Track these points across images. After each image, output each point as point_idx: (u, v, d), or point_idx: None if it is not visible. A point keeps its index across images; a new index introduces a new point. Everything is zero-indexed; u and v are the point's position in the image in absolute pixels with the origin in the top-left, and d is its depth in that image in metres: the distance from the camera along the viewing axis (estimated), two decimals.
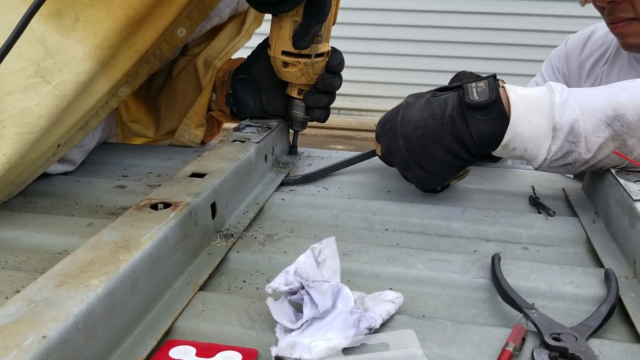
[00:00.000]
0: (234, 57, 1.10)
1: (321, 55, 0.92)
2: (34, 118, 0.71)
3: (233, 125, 1.01)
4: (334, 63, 0.93)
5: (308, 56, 0.91)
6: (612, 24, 1.13)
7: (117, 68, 0.80)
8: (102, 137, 1.05)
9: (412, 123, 0.78)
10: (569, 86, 0.77)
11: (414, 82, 4.49)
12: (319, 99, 0.96)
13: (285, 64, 0.92)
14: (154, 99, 1.11)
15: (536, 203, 0.83)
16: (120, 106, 1.10)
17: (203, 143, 1.15)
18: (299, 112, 0.98)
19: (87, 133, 0.85)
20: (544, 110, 0.73)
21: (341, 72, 0.96)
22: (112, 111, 0.90)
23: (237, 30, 1.11)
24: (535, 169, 0.77)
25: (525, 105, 0.73)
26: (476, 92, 0.74)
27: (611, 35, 1.26)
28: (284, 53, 0.90)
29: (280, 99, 0.99)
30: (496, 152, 0.77)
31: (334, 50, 0.94)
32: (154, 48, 0.87)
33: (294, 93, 0.96)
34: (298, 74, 0.92)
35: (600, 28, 1.34)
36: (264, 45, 0.97)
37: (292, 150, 1.03)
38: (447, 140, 0.75)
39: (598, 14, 1.17)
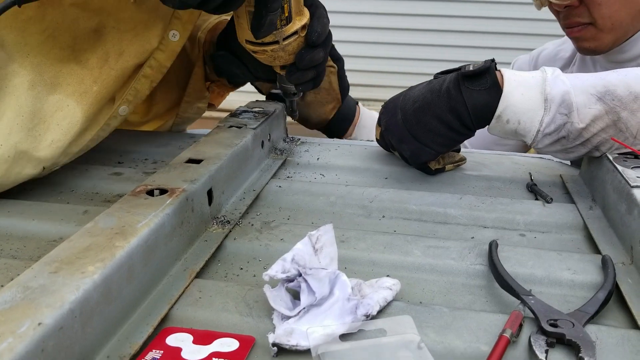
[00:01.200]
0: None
1: (294, 34, 0.82)
2: None
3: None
4: (313, 37, 0.83)
5: (275, 42, 0.82)
6: (568, 28, 1.14)
7: (30, 53, 0.72)
8: None
9: (411, 98, 0.81)
10: None
11: (414, 71, 4.45)
12: (302, 76, 0.88)
13: (254, 51, 0.85)
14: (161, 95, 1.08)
15: (533, 190, 0.83)
16: None
17: (212, 106, 1.12)
18: (286, 84, 0.92)
19: (84, 151, 0.82)
20: (536, 85, 0.75)
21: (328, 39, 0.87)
22: None
23: None
24: (530, 145, 0.78)
25: (518, 81, 0.76)
26: (472, 67, 0.78)
27: (564, 46, 1.27)
28: (248, 42, 0.83)
29: (266, 67, 0.91)
30: (491, 128, 0.78)
31: (313, 18, 0.84)
32: (141, 63, 0.83)
33: (277, 69, 0.90)
34: (270, 59, 0.85)
35: (549, 46, 1.36)
36: None
37: (293, 114, 1.00)
38: (441, 111, 0.77)
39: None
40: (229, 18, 1.00)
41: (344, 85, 1.04)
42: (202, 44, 1.02)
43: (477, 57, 1.19)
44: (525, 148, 1.37)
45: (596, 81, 0.74)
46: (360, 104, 1.15)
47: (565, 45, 1.32)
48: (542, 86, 0.75)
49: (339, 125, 1.10)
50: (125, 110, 0.84)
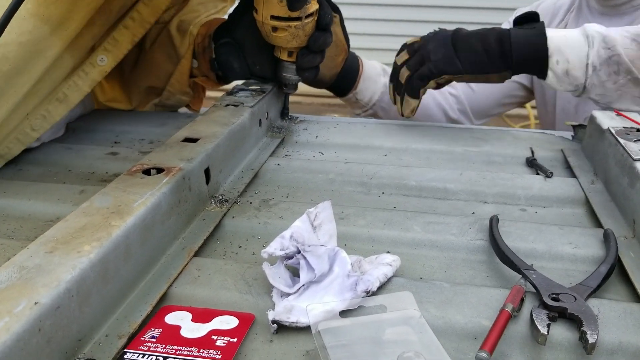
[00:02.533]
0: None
1: (311, 15, 0.86)
2: None
3: (220, 92, 0.98)
4: (327, 20, 0.88)
5: (298, 19, 0.86)
6: None
7: (71, 28, 0.74)
8: (76, 112, 1.01)
9: (467, 32, 0.92)
10: None
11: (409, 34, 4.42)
12: (313, 60, 0.92)
13: (275, 29, 0.87)
14: (129, 75, 1.07)
15: (533, 164, 0.82)
16: (95, 87, 1.06)
17: (190, 108, 1.12)
18: (288, 74, 0.94)
19: (70, 108, 0.81)
20: (576, 31, 0.87)
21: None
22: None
23: None
24: (585, 88, 0.86)
25: (560, 32, 0.87)
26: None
27: (559, 2, 1.27)
28: (273, 18, 0.85)
29: (267, 60, 0.95)
30: (549, 78, 0.87)
31: (321, 4, 0.88)
32: (126, 9, 0.82)
33: (284, 56, 0.92)
34: (289, 37, 0.88)
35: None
36: (247, 5, 0.93)
37: (284, 112, 1.01)
38: (487, 38, 0.89)
39: None
40: (225, 15, 1.02)
41: (346, 35, 1.04)
42: (194, 37, 1.00)
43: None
44: (526, 99, 1.36)
45: (626, 28, 0.86)
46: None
47: None
48: (582, 29, 0.86)
49: (348, 76, 1.11)
50: (103, 60, 0.83)
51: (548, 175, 0.78)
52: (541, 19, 0.91)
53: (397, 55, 0.97)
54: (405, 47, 0.96)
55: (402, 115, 0.96)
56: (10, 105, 0.73)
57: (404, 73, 0.93)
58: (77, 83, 0.81)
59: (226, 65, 0.97)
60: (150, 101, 1.10)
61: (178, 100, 1.07)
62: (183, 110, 1.14)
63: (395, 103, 0.97)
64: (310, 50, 0.91)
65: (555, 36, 0.86)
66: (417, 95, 0.93)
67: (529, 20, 0.91)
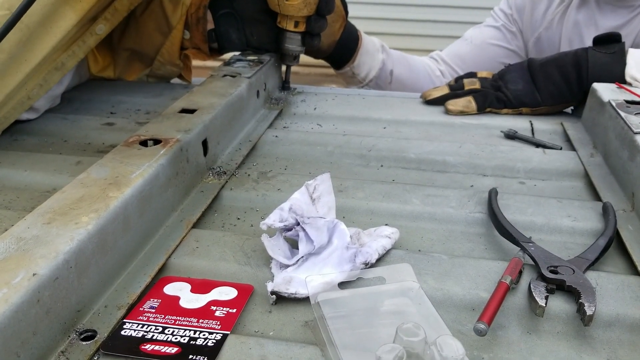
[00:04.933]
0: None
1: None
2: None
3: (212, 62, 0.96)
4: None
5: None
6: None
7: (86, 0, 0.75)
8: (72, 83, 1.00)
9: (540, 59, 0.91)
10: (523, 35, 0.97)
11: (412, 18, 4.35)
12: (323, 24, 0.94)
13: None
14: (118, 43, 1.05)
15: (515, 137, 0.82)
16: (89, 56, 1.05)
17: (182, 79, 1.11)
18: (293, 45, 0.94)
19: (64, 74, 0.81)
20: None
21: None
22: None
23: None
24: None
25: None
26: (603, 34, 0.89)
27: None
28: None
29: (265, 31, 0.95)
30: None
31: None
32: None
33: (290, 26, 0.92)
34: (301, 5, 0.89)
35: None
36: None
37: (285, 85, 1.00)
38: (565, 64, 0.87)
39: None
40: None
41: (344, 1, 1.03)
42: (186, 7, 0.98)
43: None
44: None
45: None
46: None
47: None
48: None
49: (347, 47, 1.10)
50: (101, 29, 0.83)
51: (535, 144, 0.79)
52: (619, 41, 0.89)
53: (459, 79, 0.95)
54: (473, 75, 0.96)
55: (443, 107, 0.92)
56: (21, 76, 0.73)
57: (475, 83, 0.92)
58: (75, 51, 0.81)
59: (225, 36, 0.96)
60: (133, 68, 1.08)
61: (169, 71, 1.06)
62: (175, 80, 1.12)
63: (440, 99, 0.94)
64: (320, 15, 0.92)
65: (633, 64, 0.83)
66: (481, 108, 0.90)
67: (610, 40, 0.88)
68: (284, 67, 1.01)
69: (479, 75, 0.95)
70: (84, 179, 0.52)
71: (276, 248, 0.52)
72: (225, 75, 0.85)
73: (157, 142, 0.61)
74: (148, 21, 1.00)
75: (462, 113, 0.89)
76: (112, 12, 0.84)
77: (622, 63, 0.85)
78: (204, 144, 0.67)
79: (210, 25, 0.96)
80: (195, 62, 1.12)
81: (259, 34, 0.96)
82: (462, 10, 4.30)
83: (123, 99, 0.96)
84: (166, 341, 0.42)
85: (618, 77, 0.84)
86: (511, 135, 0.82)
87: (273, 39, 0.96)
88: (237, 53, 0.98)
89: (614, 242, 0.55)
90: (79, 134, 0.82)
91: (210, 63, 1.32)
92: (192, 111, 0.70)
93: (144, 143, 0.61)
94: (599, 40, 0.88)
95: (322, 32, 0.95)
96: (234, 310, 0.46)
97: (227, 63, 0.92)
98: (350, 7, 1.06)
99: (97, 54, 1.05)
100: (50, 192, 0.65)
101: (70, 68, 0.81)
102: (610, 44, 0.87)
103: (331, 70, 1.16)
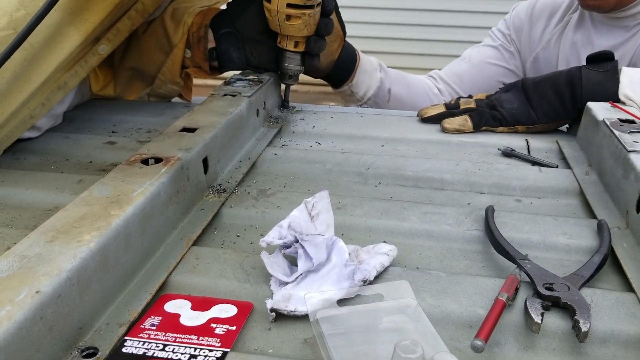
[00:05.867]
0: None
1: (319, 4, 0.91)
2: None
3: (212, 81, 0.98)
4: (330, 7, 0.93)
5: (311, 6, 0.89)
6: None
7: (90, 20, 0.76)
8: (74, 102, 1.01)
9: (534, 77, 0.92)
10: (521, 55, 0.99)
11: (411, 37, 4.39)
12: (322, 44, 0.96)
13: (289, 17, 0.90)
14: (119, 62, 1.07)
15: (511, 155, 0.83)
16: (90, 74, 1.06)
17: (182, 98, 1.12)
18: (293, 64, 0.96)
19: (66, 93, 0.82)
20: None
21: None
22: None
23: None
24: None
25: (633, 75, 0.87)
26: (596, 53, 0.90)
27: (559, 1, 1.26)
28: (289, 5, 0.88)
29: (264, 51, 0.97)
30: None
31: None
32: (134, 1, 0.84)
33: (290, 46, 0.94)
34: (301, 25, 0.91)
35: None
36: None
37: (284, 104, 1.02)
38: (559, 83, 0.88)
39: None
40: (224, 5, 1.02)
41: (342, 22, 1.05)
42: (188, 26, 1.00)
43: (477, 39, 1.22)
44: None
45: None
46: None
47: None
48: None
49: (345, 67, 1.11)
50: (104, 49, 0.85)
51: (532, 163, 0.80)
52: (542, 17, 0.90)
53: (455, 100, 0.97)
54: (469, 96, 0.97)
55: (440, 126, 0.93)
56: (25, 95, 0.74)
57: (471, 102, 0.94)
58: (77, 71, 0.82)
59: (225, 55, 0.97)
60: (134, 87, 1.10)
61: (169, 90, 1.07)
62: (176, 99, 1.14)
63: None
64: (319, 35, 0.94)
65: (627, 83, 0.85)
66: (477, 126, 0.90)
67: (603, 59, 0.89)
68: (283, 86, 1.02)
69: (475, 97, 0.96)
70: (86, 197, 0.53)
71: (275, 265, 0.52)
72: (225, 95, 0.86)
73: (158, 160, 0.62)
74: (150, 40, 1.02)
75: (458, 131, 0.90)
76: (114, 33, 0.85)
77: (616, 81, 0.86)
78: (205, 162, 0.68)
79: (211, 44, 0.98)
80: (196, 81, 1.14)
81: (258, 54, 0.98)
82: (460, 29, 4.34)
83: (124, 118, 0.97)
84: (167, 358, 0.43)
85: (611, 94, 0.85)
86: (508, 153, 0.84)
87: (272, 58, 0.97)
88: (237, 72, 0.99)
89: (609, 259, 0.56)
90: (80, 153, 0.83)
91: (210, 81, 1.34)
92: (192, 130, 0.71)
93: (145, 162, 0.62)
94: (593, 59, 0.90)
95: (321, 52, 0.97)
96: (234, 328, 0.46)
97: (228, 82, 0.93)
98: (348, 27, 1.08)
99: (98, 72, 1.06)
100: (52, 210, 0.65)
101: (72, 87, 0.82)
102: (604, 62, 0.88)
103: (330, 89, 1.18)
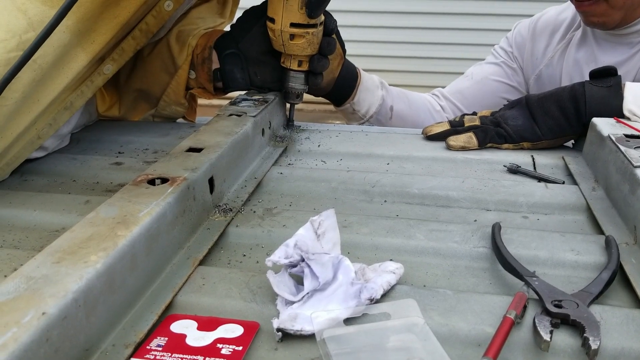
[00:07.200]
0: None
1: (321, 23, 0.92)
2: (7, 91, 0.68)
3: (217, 101, 0.99)
4: (332, 26, 0.94)
5: (315, 26, 0.90)
6: (578, 1, 1.13)
7: (97, 41, 0.77)
8: (81, 122, 1.02)
9: (538, 94, 0.93)
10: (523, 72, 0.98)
11: (413, 55, 4.42)
12: (325, 63, 0.97)
13: (292, 37, 0.91)
14: (125, 84, 1.08)
15: (517, 171, 0.83)
16: (97, 95, 1.07)
17: (186, 119, 1.13)
18: (297, 84, 0.97)
19: (73, 114, 0.83)
20: None
21: None
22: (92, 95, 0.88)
23: (214, 9, 1.09)
24: None
25: (636, 90, 0.87)
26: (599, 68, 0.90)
27: (565, 13, 1.27)
28: (293, 25, 0.89)
29: (268, 71, 0.98)
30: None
31: (325, 14, 0.94)
32: (138, 21, 0.85)
33: (294, 65, 0.95)
34: (305, 45, 0.92)
35: (550, 11, 1.35)
36: (255, 17, 0.95)
37: (289, 123, 1.02)
38: (562, 99, 0.88)
39: None
40: (227, 27, 1.03)
41: (341, 40, 1.06)
42: (192, 48, 1.01)
43: (479, 41, 1.22)
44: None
45: None
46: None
47: (567, 13, 1.31)
48: None
49: (346, 84, 1.12)
50: (109, 69, 0.86)
51: (538, 179, 0.80)
52: (544, 34, 0.90)
53: (459, 117, 0.97)
54: (474, 113, 0.97)
55: (445, 143, 0.93)
56: (33, 116, 0.75)
57: (475, 120, 0.94)
58: (83, 91, 0.83)
59: (230, 75, 0.98)
60: (139, 109, 1.11)
61: (174, 111, 1.08)
62: (181, 120, 1.15)
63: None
64: (322, 54, 0.95)
65: (631, 98, 0.85)
66: (482, 143, 0.90)
67: (606, 74, 0.89)
68: (288, 105, 1.03)
69: (479, 114, 0.96)
70: (92, 218, 0.53)
71: (282, 284, 0.52)
72: (231, 115, 0.87)
73: (164, 180, 0.62)
74: (155, 61, 1.03)
75: (463, 148, 0.90)
76: (119, 53, 0.86)
77: (619, 96, 0.86)
78: (211, 182, 0.69)
79: (216, 65, 0.99)
80: (201, 101, 1.15)
81: (262, 74, 0.99)
82: (462, 47, 4.37)
83: (131, 139, 0.98)
84: None
85: (615, 109, 0.85)
86: (514, 170, 0.83)
87: (276, 78, 0.98)
88: (242, 92, 1.00)
89: (618, 276, 0.56)
90: (87, 174, 0.83)
91: (216, 101, 1.35)
92: (198, 150, 0.72)
93: (151, 182, 0.62)
94: (596, 74, 0.90)
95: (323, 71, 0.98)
96: (240, 348, 0.46)
97: (233, 102, 0.94)
98: (350, 46, 1.09)
99: (104, 92, 1.08)
100: (59, 231, 0.66)
101: (78, 107, 0.83)
102: (607, 78, 0.89)
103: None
